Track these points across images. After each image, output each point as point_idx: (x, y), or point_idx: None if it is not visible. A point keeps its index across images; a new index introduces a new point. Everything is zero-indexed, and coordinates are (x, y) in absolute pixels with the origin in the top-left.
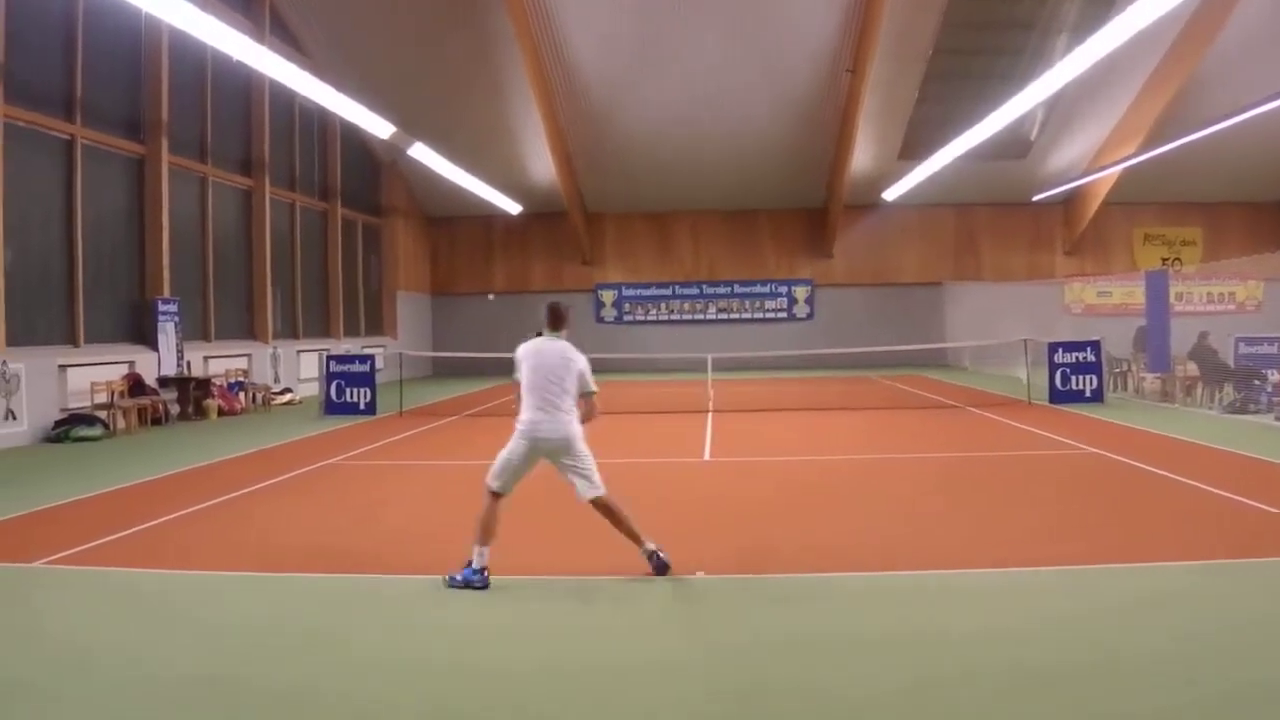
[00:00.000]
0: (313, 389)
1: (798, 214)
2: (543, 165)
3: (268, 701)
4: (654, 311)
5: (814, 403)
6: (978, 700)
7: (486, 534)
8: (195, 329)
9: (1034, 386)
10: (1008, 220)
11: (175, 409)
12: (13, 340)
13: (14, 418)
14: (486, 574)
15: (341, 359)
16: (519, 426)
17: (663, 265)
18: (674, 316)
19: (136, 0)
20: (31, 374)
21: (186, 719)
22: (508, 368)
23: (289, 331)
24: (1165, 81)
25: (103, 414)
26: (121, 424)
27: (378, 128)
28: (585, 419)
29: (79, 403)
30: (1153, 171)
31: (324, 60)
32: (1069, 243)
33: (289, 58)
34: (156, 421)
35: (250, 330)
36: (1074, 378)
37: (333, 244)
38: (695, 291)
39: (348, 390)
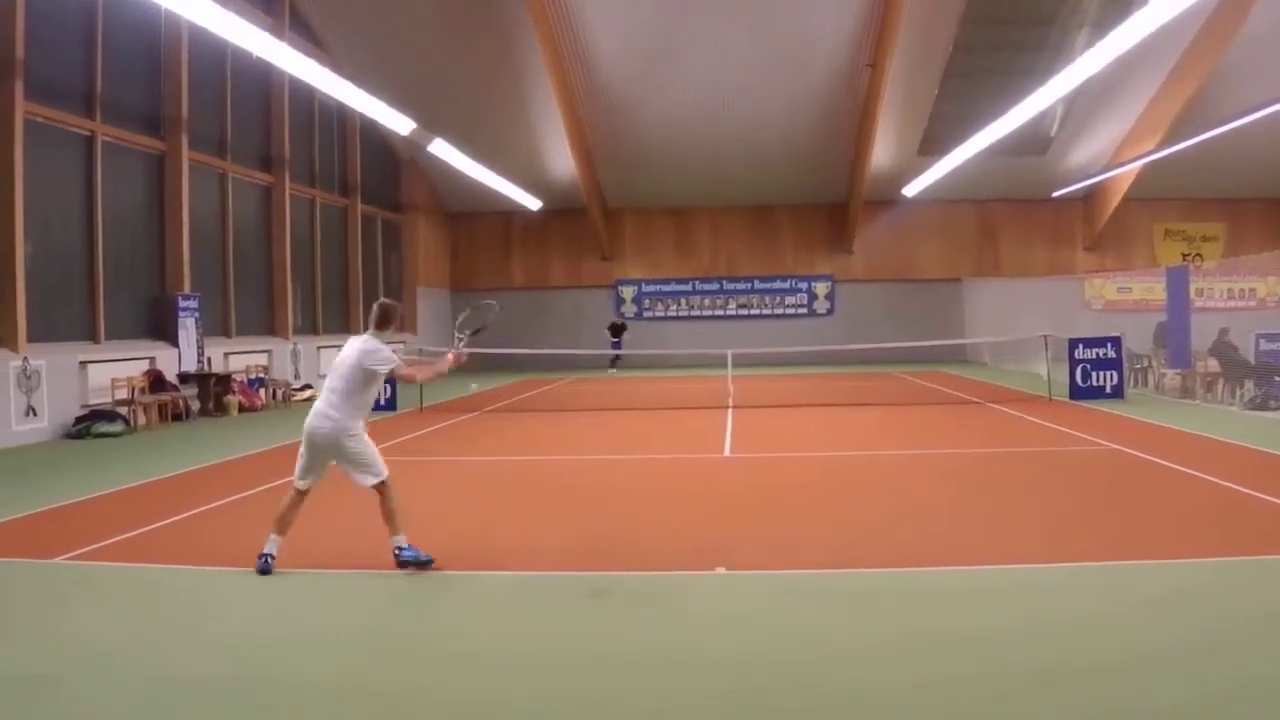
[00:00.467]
0: None
1: (818, 210)
2: (562, 161)
3: (290, 699)
4: (674, 307)
5: (834, 399)
6: (996, 697)
7: (278, 524)
8: (216, 325)
9: (1054, 382)
10: (1028, 216)
11: (196, 405)
12: (34, 337)
13: (35, 414)
14: (270, 560)
15: None
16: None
17: (682, 261)
18: (694, 312)
19: None
20: (52, 371)
21: (207, 716)
22: (529, 363)
23: (309, 327)
24: (1186, 77)
25: (123, 410)
26: (142, 420)
27: (398, 124)
28: (423, 376)
29: (100, 399)
30: (1174, 167)
31: (343, 56)
32: (1089, 238)
33: (308, 54)
34: (177, 418)
35: (271, 326)
36: (1094, 374)
37: (353, 240)
38: (715, 287)
39: None
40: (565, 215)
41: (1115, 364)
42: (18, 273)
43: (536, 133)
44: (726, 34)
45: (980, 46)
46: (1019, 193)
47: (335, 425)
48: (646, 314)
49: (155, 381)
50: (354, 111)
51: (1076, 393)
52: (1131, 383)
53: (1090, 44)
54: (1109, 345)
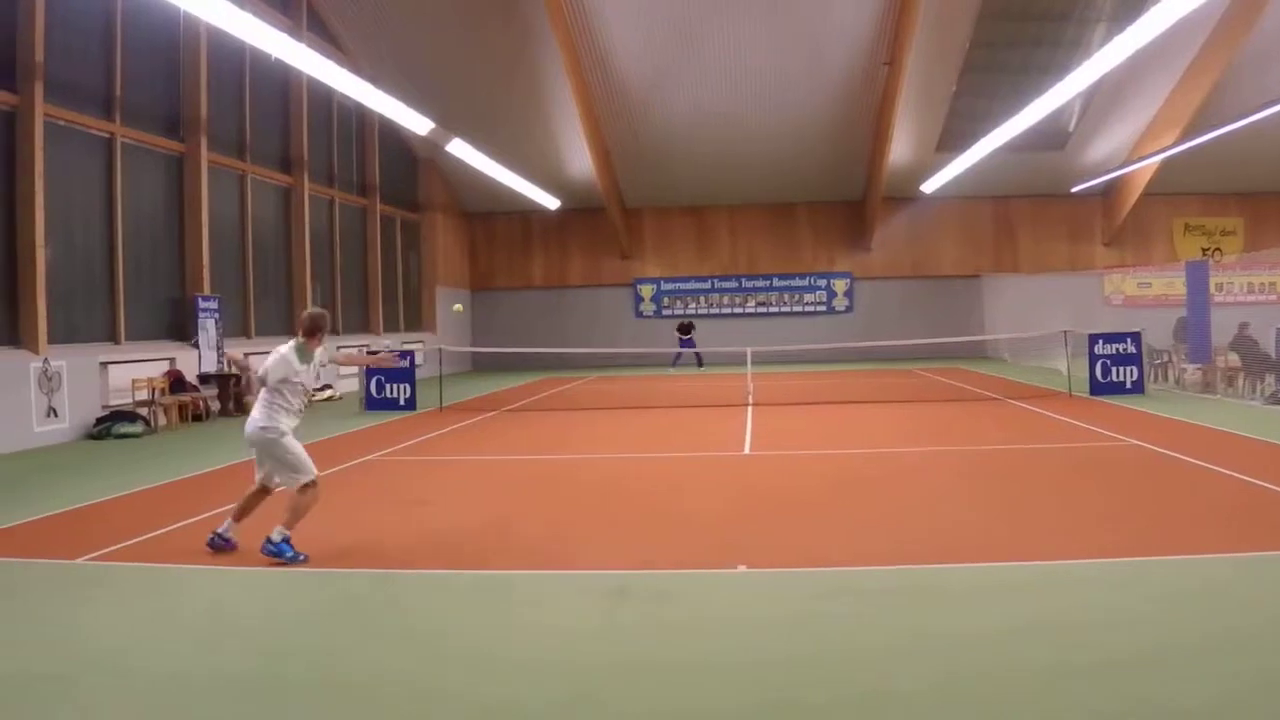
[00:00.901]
0: (353, 385)
1: (836, 207)
2: (581, 161)
3: (312, 697)
4: (693, 305)
5: (853, 396)
6: (1019, 692)
7: (238, 510)
8: (235, 326)
9: (1074, 378)
10: (1046, 212)
11: (216, 405)
12: (55, 338)
13: (56, 415)
14: (223, 535)
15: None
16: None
17: (701, 259)
18: (712, 310)
19: None
20: (73, 372)
21: (227, 715)
22: (548, 362)
23: (329, 328)
24: (1204, 71)
25: (144, 411)
26: (162, 421)
27: (416, 124)
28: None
29: (120, 400)
30: (1192, 162)
31: (362, 56)
32: (1108, 234)
33: (327, 55)
34: (197, 418)
35: (290, 327)
36: (1114, 369)
37: (372, 240)
38: (734, 285)
39: (388, 386)
40: (584, 214)
41: (1135, 359)
42: (38, 274)
43: (555, 132)
44: (744, 33)
45: (998, 42)
46: (1037, 188)
47: (258, 427)
48: (665, 312)
49: (175, 382)
50: (373, 112)
51: (1096, 388)
52: (1152, 378)
53: (1107, 39)
54: (1129, 341)
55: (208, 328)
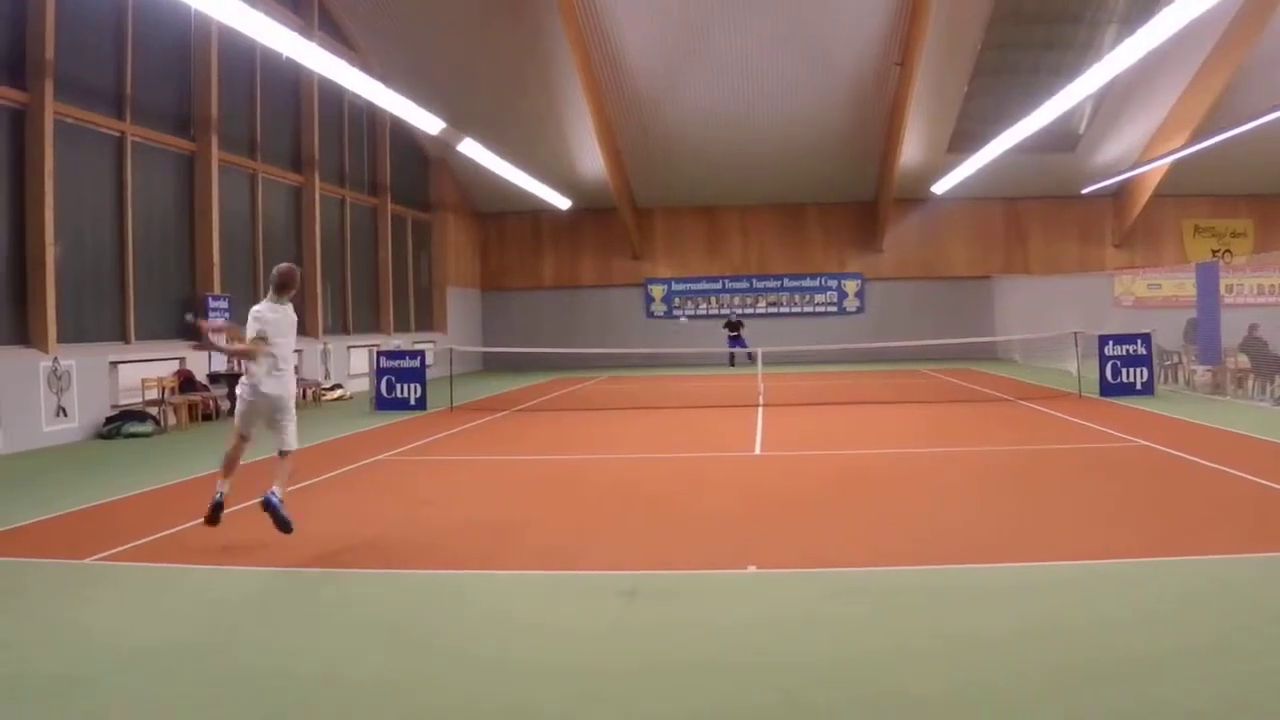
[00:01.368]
0: (363, 384)
1: (847, 208)
2: (592, 161)
3: (323, 696)
4: (704, 306)
5: (864, 396)
6: (1032, 692)
7: (226, 469)
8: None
9: (1084, 379)
10: (1057, 213)
11: (226, 405)
12: (64, 337)
13: (66, 415)
14: (221, 498)
15: (392, 354)
16: (243, 385)
17: (712, 259)
18: (724, 311)
19: None
20: (83, 371)
21: (242, 714)
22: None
23: (339, 327)
24: (1214, 73)
25: (154, 410)
26: (172, 420)
27: (427, 123)
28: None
29: (130, 399)
30: (1203, 163)
31: (373, 56)
32: (1119, 235)
33: (338, 54)
34: (207, 417)
35: (300, 326)
36: (1124, 370)
37: (383, 239)
38: (745, 285)
39: (398, 386)
40: (595, 214)
41: (1145, 360)
42: (48, 273)
43: (566, 132)
44: (756, 34)
45: (1009, 44)
46: (1048, 190)
47: (288, 389)
48: (676, 312)
49: (185, 381)
50: (384, 111)
51: (1107, 389)
52: (1162, 379)
53: (1118, 41)
54: (1139, 342)
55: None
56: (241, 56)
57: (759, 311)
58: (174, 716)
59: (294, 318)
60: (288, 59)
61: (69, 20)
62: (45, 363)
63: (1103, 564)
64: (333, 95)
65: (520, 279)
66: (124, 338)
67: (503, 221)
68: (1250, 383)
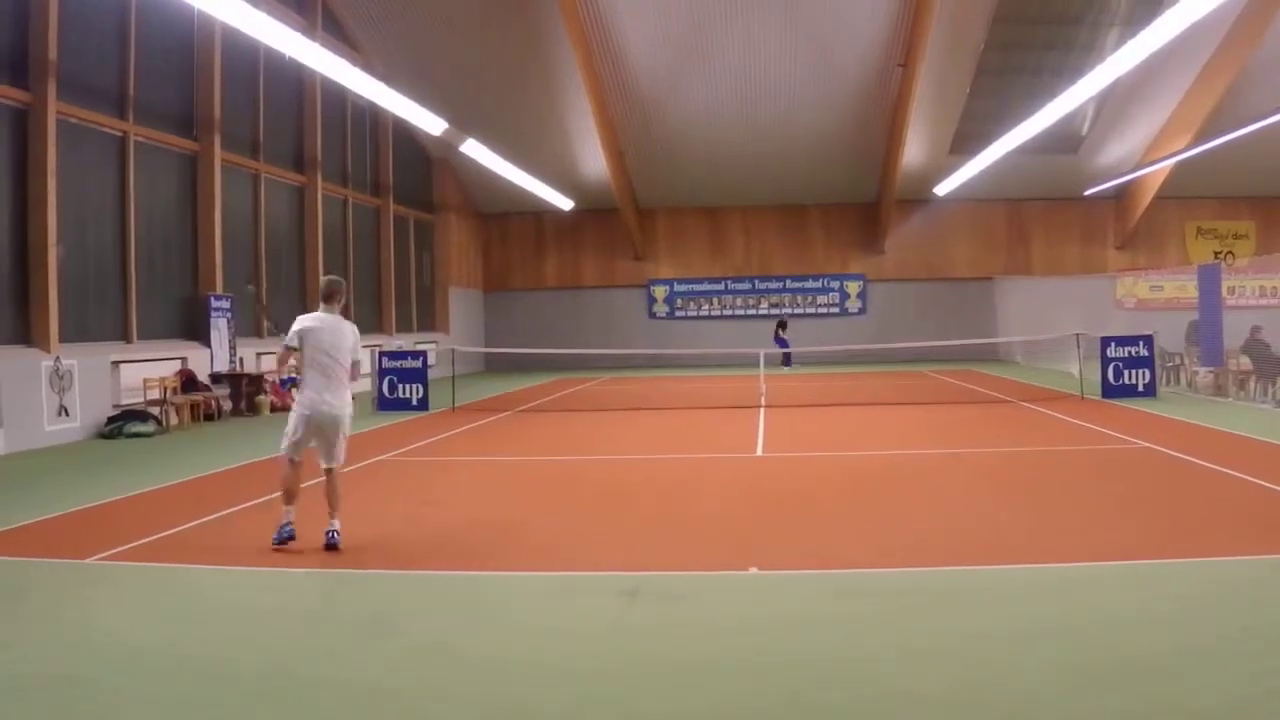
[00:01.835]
0: (365, 385)
1: (849, 209)
2: (594, 161)
3: (324, 696)
4: (706, 307)
5: (866, 398)
6: (1036, 694)
7: (289, 496)
8: (248, 325)
9: (1086, 381)
10: (1059, 215)
11: (228, 405)
12: (66, 337)
13: (67, 414)
14: (290, 527)
15: (394, 355)
16: (300, 399)
17: (714, 260)
18: (726, 311)
19: None
20: (84, 371)
21: (243, 715)
22: (561, 363)
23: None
24: (1217, 75)
25: (155, 410)
26: (174, 420)
27: (430, 124)
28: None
29: (132, 399)
30: (1205, 165)
31: (376, 56)
32: (1121, 237)
33: (341, 54)
34: (209, 418)
35: None
36: (1126, 372)
37: (385, 240)
38: (747, 286)
39: (400, 386)
40: (598, 215)
41: (1147, 362)
42: (50, 273)
43: (568, 133)
44: (758, 34)
45: (1011, 45)
46: (1051, 191)
47: (346, 405)
48: (679, 313)
49: (187, 381)
50: (386, 111)
51: (1109, 391)
52: (1164, 381)
53: (1121, 42)
54: (1141, 343)
55: (220, 327)
56: (244, 57)
57: (761, 313)
58: (175, 717)
59: (346, 327)
60: (290, 59)
61: (72, 20)
62: (47, 362)
63: (1105, 565)
64: (335, 96)
65: (522, 279)
66: (126, 337)
67: (505, 222)
68: (1252, 385)
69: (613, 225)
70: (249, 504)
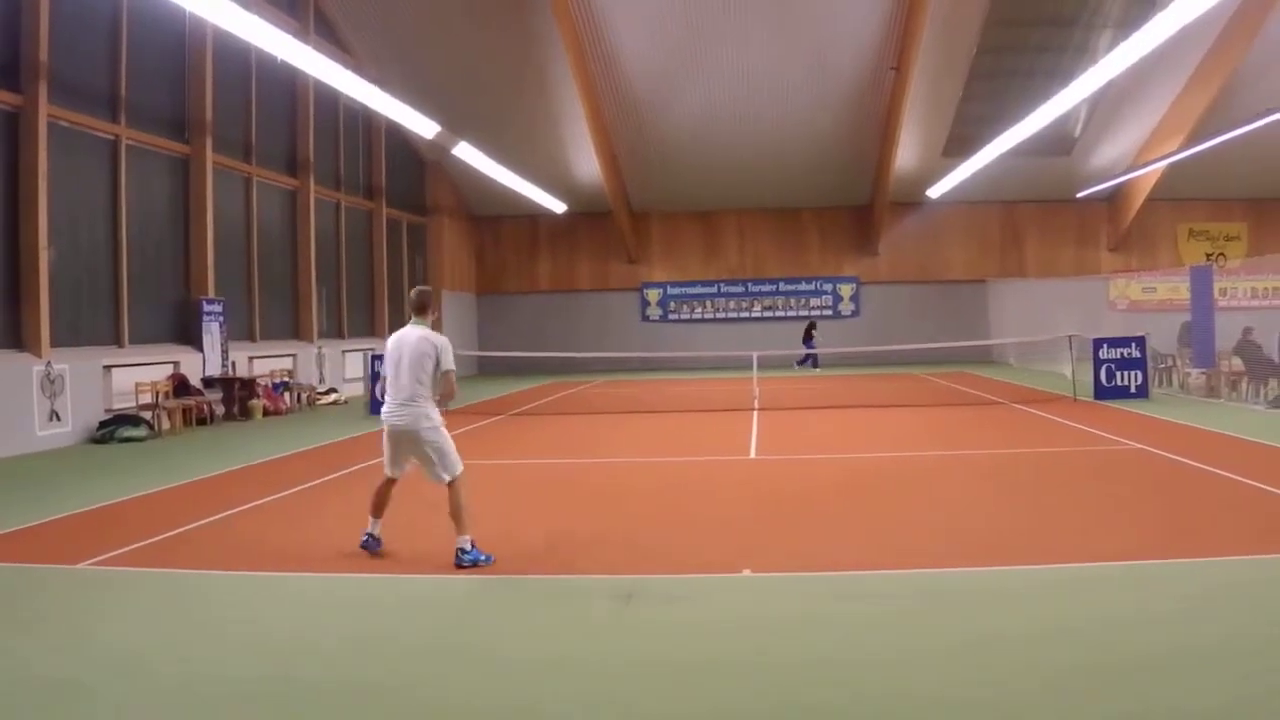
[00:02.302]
0: (358, 389)
1: (843, 211)
2: (588, 165)
3: (317, 702)
4: (699, 309)
5: (860, 400)
6: (1038, 695)
7: (372, 508)
8: (240, 329)
9: (1079, 383)
10: (1052, 217)
11: (220, 409)
12: (57, 341)
13: (59, 419)
14: (369, 538)
15: None
16: (382, 417)
17: (708, 263)
18: (719, 314)
19: (180, 0)
20: (76, 375)
21: (241, 718)
22: (554, 366)
23: (334, 331)
24: (1209, 77)
25: (148, 415)
26: (166, 424)
27: (422, 127)
28: (444, 396)
29: (124, 403)
30: (1197, 167)
31: (368, 59)
32: (1113, 239)
33: (333, 57)
34: (201, 422)
35: (295, 330)
36: (1119, 374)
37: (378, 243)
38: (740, 289)
39: None
40: (591, 218)
41: (1140, 364)
42: (41, 277)
43: (562, 136)
44: (752, 37)
45: (1004, 48)
46: (1043, 194)
47: (418, 420)
48: (672, 316)
49: (179, 386)
50: (379, 115)
51: (1101, 393)
52: (1156, 382)
53: (1113, 45)
54: (1133, 345)
55: (212, 331)
56: (237, 60)
57: (755, 315)
58: (169, 718)
59: (427, 340)
60: (283, 62)
61: (63, 22)
62: (38, 367)
63: (1103, 566)
64: (328, 99)
65: (516, 283)
66: (118, 341)
67: (498, 225)
68: (1244, 386)
69: (606, 228)
70: (243, 508)
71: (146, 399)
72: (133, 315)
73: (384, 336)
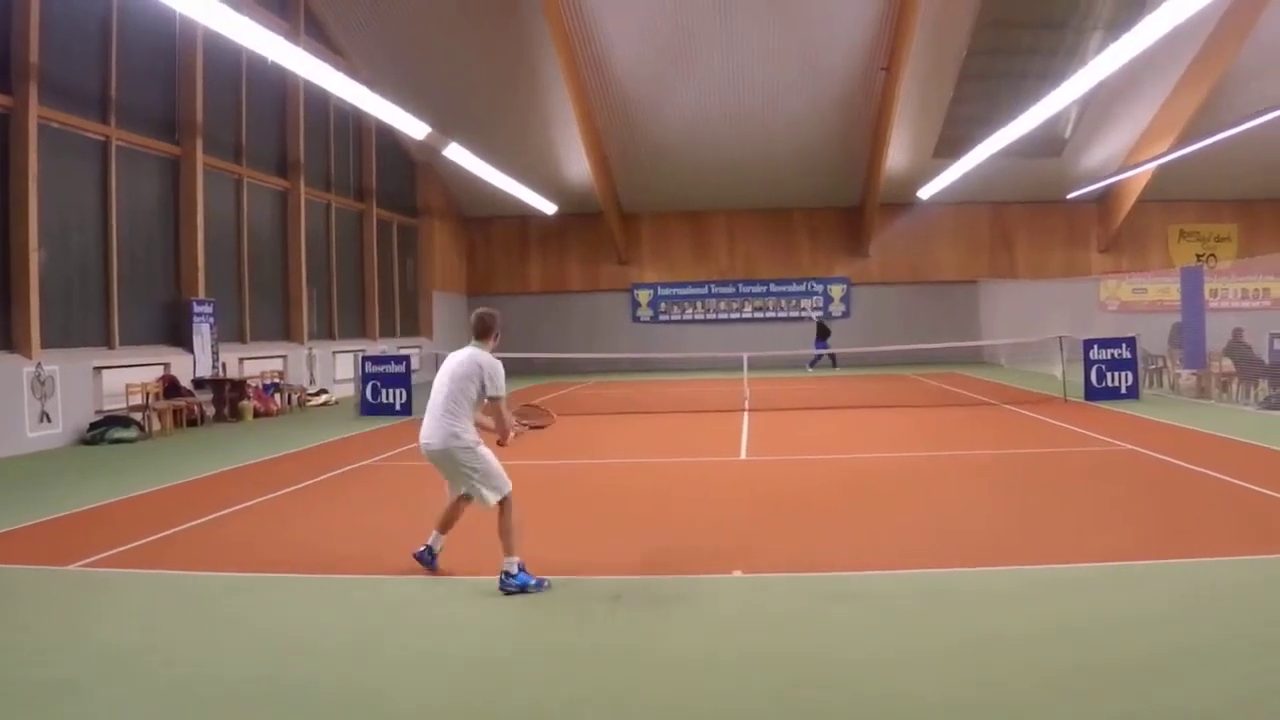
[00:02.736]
0: (349, 390)
1: (833, 212)
2: (578, 165)
3: (309, 703)
4: (690, 311)
5: (850, 401)
6: (1033, 695)
7: (438, 522)
8: (231, 330)
9: (1070, 384)
10: (1043, 218)
11: (211, 411)
12: (47, 343)
13: (49, 420)
14: (423, 550)
15: (377, 359)
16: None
17: (699, 264)
18: (710, 315)
19: (171, 1)
20: (66, 376)
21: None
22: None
23: (325, 332)
24: (1199, 78)
25: (138, 416)
26: (157, 426)
27: (413, 128)
28: (498, 429)
29: (114, 405)
30: (1187, 168)
31: (359, 60)
32: (1104, 240)
33: (324, 58)
34: (192, 423)
35: (286, 331)
36: (1109, 374)
37: (368, 244)
38: (731, 290)
39: (384, 391)
40: (582, 219)
41: (1130, 365)
42: (32, 278)
43: (552, 137)
44: (742, 38)
45: (994, 49)
46: (1034, 195)
47: (447, 441)
48: (663, 317)
49: (170, 387)
50: (370, 116)
51: (1092, 394)
52: (1147, 383)
53: (1104, 46)
54: (1124, 346)
55: (202, 332)
56: (227, 61)
57: (745, 316)
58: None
59: (474, 361)
60: (273, 64)
61: (54, 24)
62: (29, 368)
63: (1099, 566)
64: (318, 100)
65: (506, 284)
66: (108, 343)
67: (489, 226)
68: (1234, 387)
69: (597, 229)
70: (234, 509)
71: (137, 400)
72: (123, 316)
73: (374, 338)
